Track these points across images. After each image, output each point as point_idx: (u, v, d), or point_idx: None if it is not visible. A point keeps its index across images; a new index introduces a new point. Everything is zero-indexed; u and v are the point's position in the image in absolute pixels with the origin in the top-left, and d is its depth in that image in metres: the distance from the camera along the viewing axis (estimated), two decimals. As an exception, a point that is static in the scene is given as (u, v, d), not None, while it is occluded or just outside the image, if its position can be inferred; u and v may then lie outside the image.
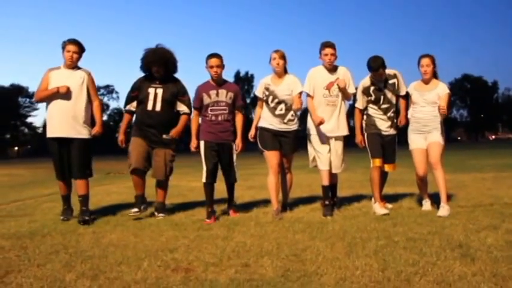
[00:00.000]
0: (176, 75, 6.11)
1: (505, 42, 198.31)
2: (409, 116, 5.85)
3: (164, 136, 5.82)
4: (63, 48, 5.67)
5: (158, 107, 5.83)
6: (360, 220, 5.21)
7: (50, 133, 5.65)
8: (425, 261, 3.41)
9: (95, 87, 5.90)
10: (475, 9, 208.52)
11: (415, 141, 5.76)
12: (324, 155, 5.73)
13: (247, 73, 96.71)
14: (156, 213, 5.91)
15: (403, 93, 5.89)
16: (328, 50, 5.59)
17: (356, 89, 5.92)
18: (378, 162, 5.84)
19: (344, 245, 4.04)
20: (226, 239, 4.46)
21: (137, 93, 5.93)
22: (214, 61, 5.62)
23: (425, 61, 5.65)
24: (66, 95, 5.55)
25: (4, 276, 3.41)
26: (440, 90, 5.62)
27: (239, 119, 5.85)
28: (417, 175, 5.86)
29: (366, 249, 3.84)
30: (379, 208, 5.64)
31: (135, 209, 5.76)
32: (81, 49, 5.75)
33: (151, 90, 5.85)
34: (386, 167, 5.95)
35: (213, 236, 4.61)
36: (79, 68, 5.77)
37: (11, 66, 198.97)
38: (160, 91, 5.85)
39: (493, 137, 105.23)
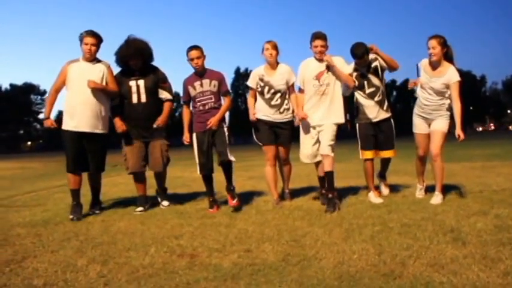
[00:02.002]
0: (156, 63, 5.87)
1: (493, 38, 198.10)
2: (416, 94, 5.53)
3: (155, 126, 5.62)
4: (81, 40, 5.33)
5: (143, 99, 5.60)
6: (356, 208, 5.20)
7: (70, 126, 5.27)
8: (419, 245, 3.41)
9: (114, 79, 5.54)
10: (465, 7, 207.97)
11: (419, 126, 5.51)
12: (307, 148, 5.51)
13: (246, 69, 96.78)
14: (159, 199, 5.87)
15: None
16: (318, 42, 5.28)
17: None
18: (367, 154, 5.64)
19: (341, 231, 4.04)
20: (229, 226, 4.46)
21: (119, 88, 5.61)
22: (193, 53, 5.38)
23: (432, 43, 5.18)
24: (87, 88, 5.23)
25: (21, 261, 3.44)
26: (449, 78, 5.20)
27: (225, 102, 5.55)
28: (417, 155, 5.69)
29: (363, 235, 3.84)
30: (374, 197, 5.61)
31: (140, 208, 5.57)
32: (99, 40, 5.40)
33: (132, 83, 5.59)
34: (385, 154, 5.72)
35: (216, 224, 4.62)
36: (98, 61, 5.45)
37: (23, 65, 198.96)
38: (141, 82, 5.60)
39: (480, 128, 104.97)
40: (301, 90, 5.52)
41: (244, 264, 3.15)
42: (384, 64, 5.55)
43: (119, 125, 5.64)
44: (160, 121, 5.64)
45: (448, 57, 5.30)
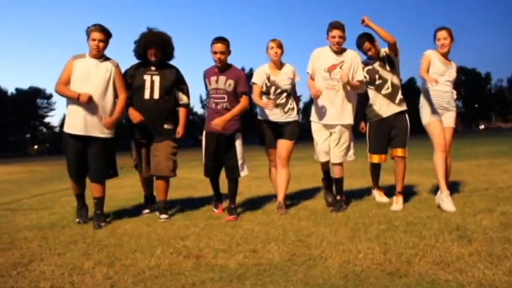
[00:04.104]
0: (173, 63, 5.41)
1: (498, 35, 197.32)
2: (427, 86, 5.05)
3: (166, 126, 5.16)
4: (88, 35, 4.83)
5: (156, 95, 5.11)
6: (362, 206, 5.20)
7: (70, 129, 4.82)
8: (424, 244, 3.41)
9: (123, 80, 5.00)
10: (469, 4, 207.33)
11: (434, 115, 5.06)
12: (320, 145, 5.21)
13: (251, 70, 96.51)
14: (158, 214, 5.19)
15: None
16: (335, 32, 4.95)
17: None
18: (374, 158, 5.37)
19: (347, 230, 4.04)
20: (235, 226, 4.47)
21: (130, 81, 5.14)
22: (218, 47, 4.95)
23: (443, 34, 4.99)
24: (92, 88, 4.76)
25: (28, 264, 3.45)
26: (456, 68, 5.12)
27: (242, 101, 5.09)
28: (438, 149, 4.98)
29: (368, 234, 3.84)
30: (378, 196, 5.61)
31: (147, 210, 5.51)
32: (107, 36, 4.89)
33: (147, 78, 5.12)
34: (395, 152, 5.21)
35: (222, 224, 4.63)
36: (106, 59, 4.94)
37: (28, 69, 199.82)
38: (157, 78, 5.13)
39: (483, 126, 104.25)
40: (311, 78, 5.22)
41: (250, 264, 3.16)
42: (390, 52, 5.22)
43: (135, 115, 5.10)
44: (180, 133, 5.26)
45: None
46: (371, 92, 5.31)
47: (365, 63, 5.31)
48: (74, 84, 4.82)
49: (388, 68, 5.23)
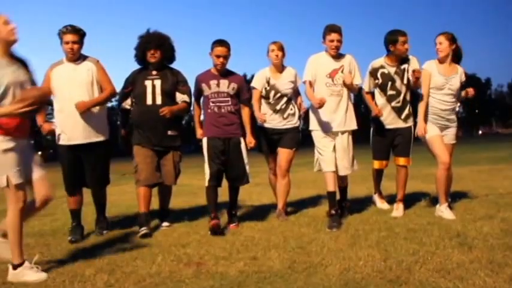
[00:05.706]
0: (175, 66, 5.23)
1: (498, 41, 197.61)
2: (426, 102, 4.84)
3: (169, 132, 4.95)
4: (61, 38, 4.54)
5: (159, 100, 4.89)
6: (362, 213, 5.19)
7: (64, 141, 4.60)
8: (425, 251, 3.40)
9: (107, 75, 4.74)
10: (469, 9, 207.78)
11: (432, 129, 4.83)
12: (327, 154, 4.83)
13: (253, 76, 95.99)
14: (160, 221, 5.15)
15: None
16: (334, 36, 4.72)
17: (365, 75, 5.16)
18: (376, 164, 5.30)
19: (347, 237, 4.03)
20: (235, 233, 4.46)
21: (131, 88, 4.99)
22: (221, 50, 4.76)
23: (438, 38, 4.80)
24: (77, 94, 4.50)
25: (29, 271, 3.43)
26: (462, 75, 4.90)
27: (246, 113, 4.99)
28: (441, 168, 4.80)
29: (369, 241, 3.83)
30: (379, 203, 5.57)
31: (144, 228, 4.68)
32: (80, 36, 4.57)
33: (148, 83, 4.92)
34: (398, 161, 5.13)
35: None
36: (85, 58, 4.66)
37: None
38: (158, 82, 4.92)
39: (480, 132, 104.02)
40: (310, 84, 4.90)
41: (251, 272, 3.15)
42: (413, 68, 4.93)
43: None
44: (166, 108, 4.81)
45: (456, 57, 4.94)
46: (380, 99, 5.12)
47: (381, 66, 5.06)
48: (57, 94, 4.57)
49: (405, 81, 5.02)
